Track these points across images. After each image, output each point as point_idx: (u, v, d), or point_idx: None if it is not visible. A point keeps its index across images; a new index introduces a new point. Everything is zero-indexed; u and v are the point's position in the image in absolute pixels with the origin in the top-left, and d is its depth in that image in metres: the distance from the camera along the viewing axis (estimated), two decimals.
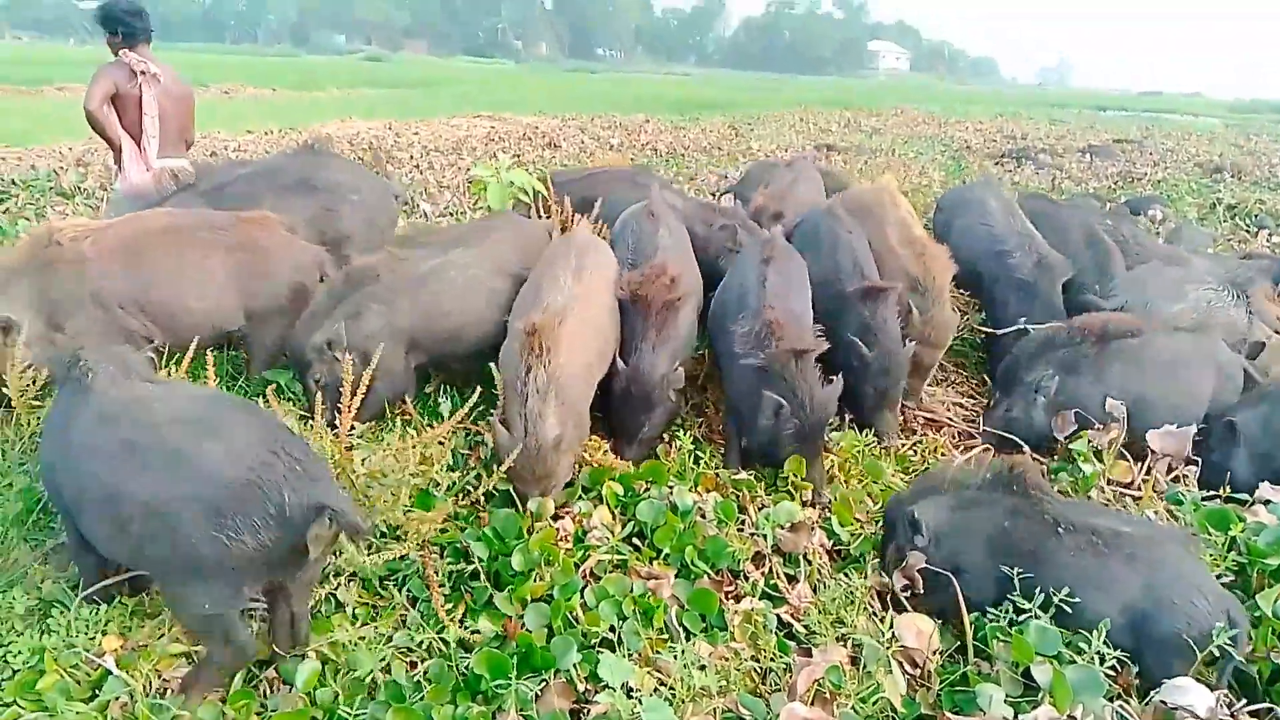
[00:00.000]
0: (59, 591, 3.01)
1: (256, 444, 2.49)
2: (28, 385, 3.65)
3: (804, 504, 3.61)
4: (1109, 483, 3.94)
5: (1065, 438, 4.08)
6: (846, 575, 3.15)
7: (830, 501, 3.66)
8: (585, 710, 2.60)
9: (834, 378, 3.84)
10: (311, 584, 2.78)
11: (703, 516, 3.36)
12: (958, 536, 3.04)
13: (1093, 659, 2.71)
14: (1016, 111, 33.64)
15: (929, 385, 4.99)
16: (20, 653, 2.75)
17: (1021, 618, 2.84)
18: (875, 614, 3.00)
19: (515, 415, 3.36)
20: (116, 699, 2.61)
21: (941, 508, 3.11)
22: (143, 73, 5.28)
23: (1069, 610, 2.80)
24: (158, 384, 2.87)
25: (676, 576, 3.10)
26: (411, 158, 13.32)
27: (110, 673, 2.68)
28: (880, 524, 3.42)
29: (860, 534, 3.48)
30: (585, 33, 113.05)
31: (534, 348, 3.42)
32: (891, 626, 2.86)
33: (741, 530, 3.39)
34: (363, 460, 3.15)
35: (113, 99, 5.28)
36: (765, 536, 3.30)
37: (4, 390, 3.66)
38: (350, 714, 2.55)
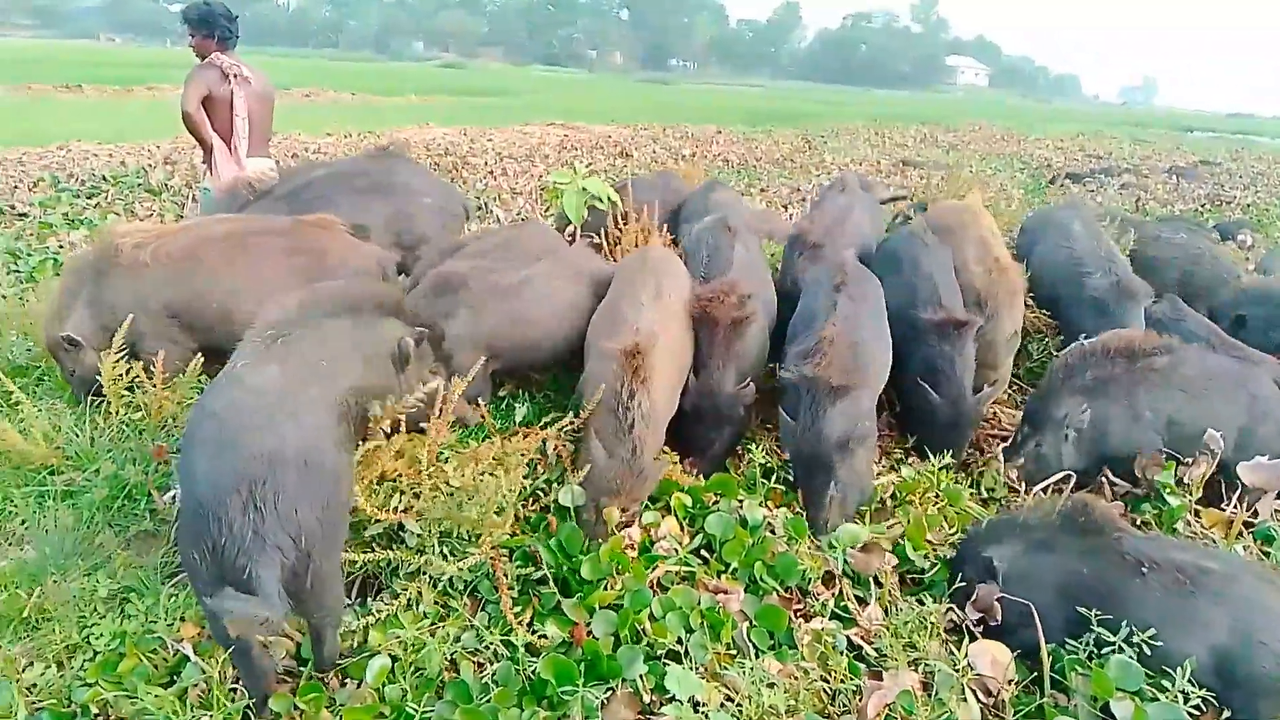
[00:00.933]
0: (140, 577, 3.09)
1: (231, 472, 2.36)
2: (120, 375, 3.77)
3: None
4: (1195, 515, 3.80)
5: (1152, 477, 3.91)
6: (919, 600, 3.08)
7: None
8: None
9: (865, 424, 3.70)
10: (327, 612, 2.68)
11: (772, 532, 3.32)
12: (1032, 580, 2.94)
13: (1176, 697, 2.60)
14: (1099, 130, 32.81)
15: (1009, 408, 4.88)
16: (102, 635, 2.85)
17: (1102, 652, 2.75)
18: (947, 640, 2.92)
19: (616, 438, 3.37)
20: (194, 685, 2.67)
21: (1016, 551, 3.02)
22: (235, 75, 5.43)
23: (1150, 651, 2.69)
24: (267, 364, 2.73)
25: (745, 592, 3.06)
26: (486, 164, 13.48)
27: (188, 659, 2.74)
28: (955, 555, 3.33)
29: (935, 559, 3.39)
30: (659, 44, 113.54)
31: (637, 371, 3.43)
32: (966, 654, 2.78)
33: (820, 552, 3.31)
34: (454, 469, 3.14)
35: (204, 100, 5.44)
36: (836, 556, 3.24)
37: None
38: (418, 712, 2.57)
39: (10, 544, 3.32)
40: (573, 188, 5.85)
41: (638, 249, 4.79)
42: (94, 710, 2.64)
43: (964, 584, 3.06)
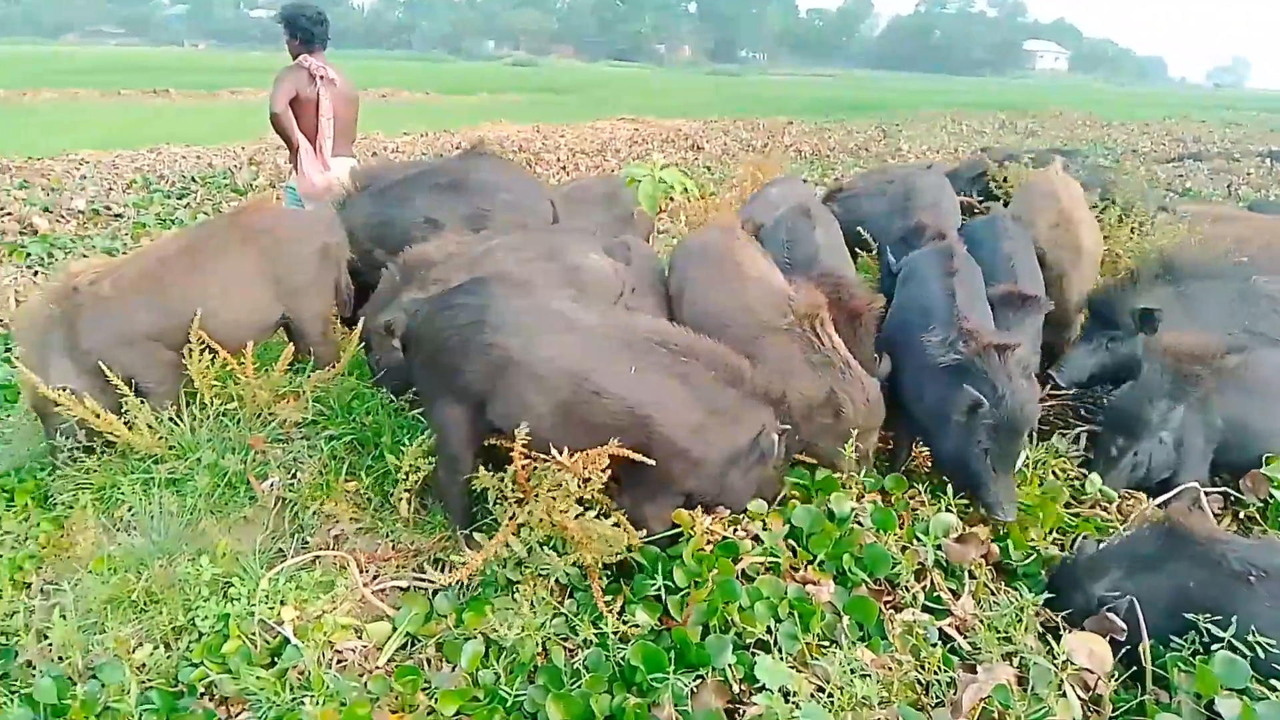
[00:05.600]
0: (241, 563, 3.19)
1: None
2: (207, 367, 3.88)
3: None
4: None
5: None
6: (1016, 590, 3.01)
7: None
8: (740, 711, 2.58)
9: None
10: None
11: (860, 524, 3.28)
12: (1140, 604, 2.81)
13: None
14: (1186, 113, 31.62)
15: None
16: (207, 618, 2.94)
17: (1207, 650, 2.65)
18: (1043, 634, 2.85)
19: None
20: (294, 666, 2.75)
21: (1118, 577, 2.90)
22: (321, 77, 5.55)
23: (1262, 655, 2.58)
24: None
25: (834, 583, 3.02)
26: (558, 159, 13.62)
27: (289, 641, 2.83)
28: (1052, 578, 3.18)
29: (1031, 552, 3.30)
30: (728, 36, 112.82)
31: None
32: (1064, 647, 2.71)
33: (908, 546, 3.22)
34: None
35: (291, 102, 5.57)
36: (927, 548, 3.18)
37: None
38: (510, 695, 2.61)
39: (119, 530, 3.46)
40: (650, 179, 5.85)
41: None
42: (199, 689, 2.75)
43: (1069, 610, 2.95)
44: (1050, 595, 3.02)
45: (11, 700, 2.63)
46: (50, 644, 2.88)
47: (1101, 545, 3.13)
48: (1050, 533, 3.47)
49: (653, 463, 2.92)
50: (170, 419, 3.84)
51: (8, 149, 12.09)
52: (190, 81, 28.96)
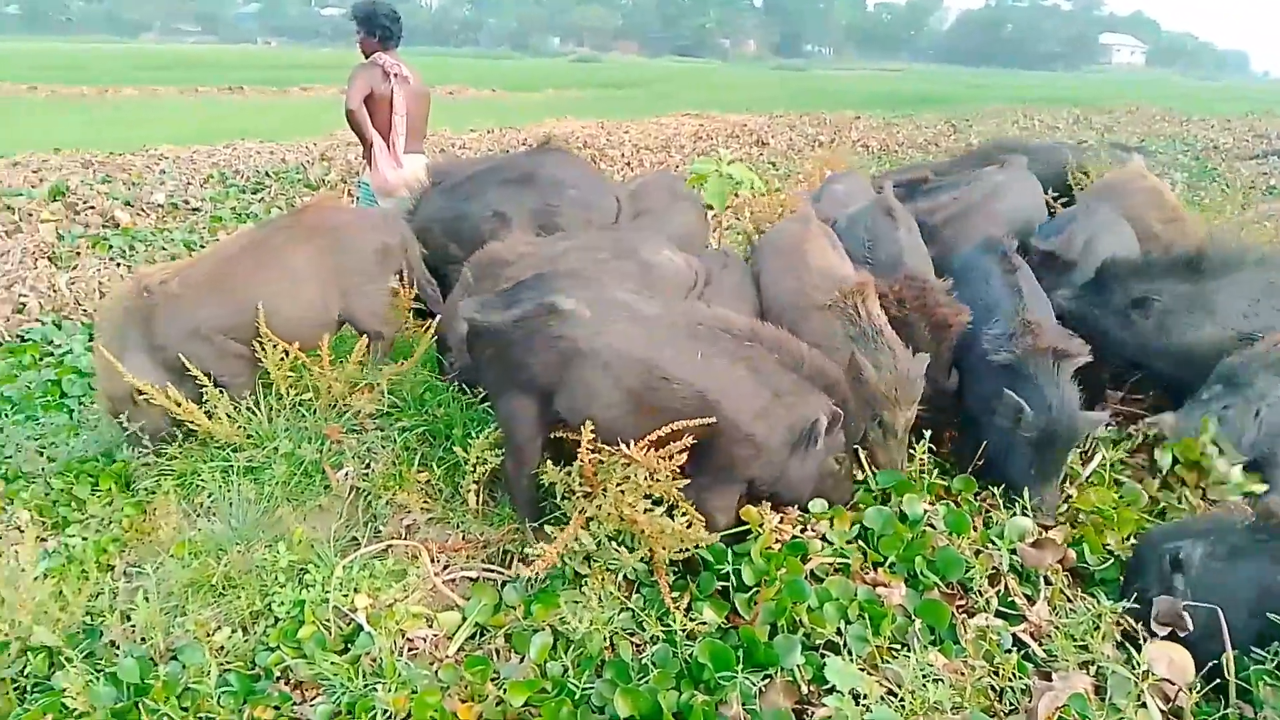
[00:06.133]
0: (316, 550, 3.27)
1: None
2: (282, 358, 3.97)
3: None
4: None
5: None
6: (1093, 597, 2.93)
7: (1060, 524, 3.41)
8: (809, 712, 2.56)
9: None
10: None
11: (932, 527, 3.23)
12: (1219, 589, 2.70)
13: None
14: (1270, 108, 30.44)
15: None
16: (283, 604, 3.01)
17: None
18: (1122, 642, 2.78)
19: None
20: (367, 653, 2.80)
21: (1200, 555, 2.78)
22: (395, 74, 5.62)
23: None
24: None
25: (905, 586, 2.99)
26: (622, 155, 13.62)
27: (362, 628, 2.88)
28: (1131, 555, 3.12)
29: (1107, 554, 3.23)
30: (794, 30, 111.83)
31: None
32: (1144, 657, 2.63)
33: (981, 550, 3.17)
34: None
35: (365, 99, 5.65)
36: (1000, 551, 3.12)
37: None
38: (578, 689, 2.63)
39: (200, 515, 3.56)
40: (716, 174, 5.83)
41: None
42: (275, 673, 2.82)
43: (1142, 588, 2.86)
44: (1126, 583, 2.97)
45: (97, 679, 2.72)
46: (133, 625, 2.97)
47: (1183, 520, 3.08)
48: (1128, 538, 3.37)
49: (719, 434, 2.97)
50: (248, 409, 3.94)
51: (91, 144, 12.46)
52: (263, 78, 29.69)
